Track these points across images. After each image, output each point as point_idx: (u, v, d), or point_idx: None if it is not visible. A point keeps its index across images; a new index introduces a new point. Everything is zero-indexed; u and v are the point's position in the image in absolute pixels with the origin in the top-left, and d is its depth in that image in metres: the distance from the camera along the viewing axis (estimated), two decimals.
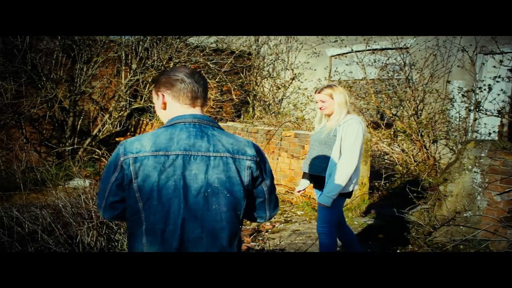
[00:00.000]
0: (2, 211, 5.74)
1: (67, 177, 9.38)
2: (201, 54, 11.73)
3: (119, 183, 2.09)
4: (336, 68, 11.74)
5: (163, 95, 2.19)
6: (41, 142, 11.10)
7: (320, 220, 4.19)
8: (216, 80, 11.86)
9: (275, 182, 8.08)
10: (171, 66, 11.27)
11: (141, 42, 11.19)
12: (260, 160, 2.14)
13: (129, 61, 11.44)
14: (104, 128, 11.28)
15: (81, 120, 11.33)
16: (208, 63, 11.65)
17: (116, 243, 5.31)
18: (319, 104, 4.22)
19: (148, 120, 11.93)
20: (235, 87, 12.71)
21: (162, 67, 11.18)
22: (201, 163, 2.03)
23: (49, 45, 10.66)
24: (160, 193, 2.01)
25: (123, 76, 11.49)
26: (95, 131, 11.31)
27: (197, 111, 2.18)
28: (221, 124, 10.41)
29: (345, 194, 4.14)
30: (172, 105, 2.18)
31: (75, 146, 11.03)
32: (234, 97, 12.47)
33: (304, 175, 4.50)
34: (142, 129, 12.44)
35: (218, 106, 12.33)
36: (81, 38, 10.59)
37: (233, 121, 12.19)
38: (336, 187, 3.96)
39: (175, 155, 2.03)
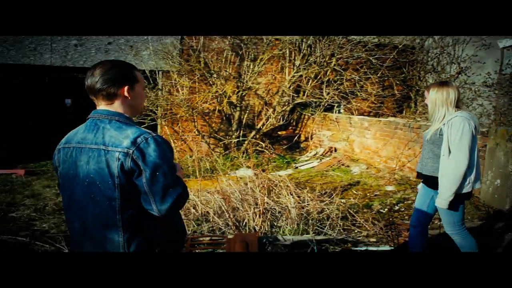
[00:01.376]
0: None
1: (233, 167, 10.06)
2: (363, 50, 11.74)
3: (55, 169, 2.39)
4: (509, 60, 10.98)
5: None
6: (210, 134, 11.99)
7: (444, 223, 4.09)
8: (378, 75, 11.79)
9: None
10: (333, 62, 11.47)
11: (304, 39, 11.53)
12: (135, 151, 2.09)
13: (293, 57, 11.87)
14: (268, 122, 11.83)
15: (246, 114, 12.03)
16: (371, 58, 11.63)
17: (278, 229, 5.64)
18: (426, 100, 4.20)
19: (310, 114, 12.26)
20: (397, 82, 12.52)
21: (325, 63, 11.43)
22: (86, 155, 2.17)
23: (220, 45, 11.48)
24: (65, 181, 2.27)
25: (286, 72, 11.97)
26: (259, 125, 11.92)
27: (101, 106, 2.28)
28: (381, 119, 10.35)
29: (462, 195, 3.96)
30: None
31: (241, 139, 11.73)
32: (396, 92, 12.30)
33: (419, 175, 4.36)
34: (303, 123, 12.82)
35: (379, 101, 12.26)
36: (248, 37, 11.23)
37: (394, 116, 12.03)
38: (449, 188, 3.83)
39: (72, 147, 2.24)
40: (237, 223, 5.65)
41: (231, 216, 5.67)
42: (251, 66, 11.47)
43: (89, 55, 11.41)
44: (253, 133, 11.76)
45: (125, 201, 2.14)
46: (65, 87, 22.60)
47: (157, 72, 11.42)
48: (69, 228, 2.34)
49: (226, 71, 11.40)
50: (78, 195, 2.20)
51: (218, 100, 11.45)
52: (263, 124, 11.90)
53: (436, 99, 3.97)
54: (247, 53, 11.47)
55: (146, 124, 10.68)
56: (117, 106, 2.27)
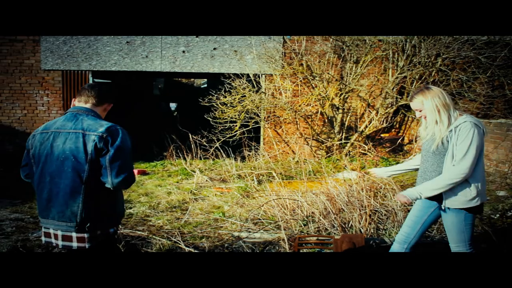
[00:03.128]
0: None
1: (336, 169, 10.05)
2: (471, 48, 11.27)
3: (26, 152, 3.18)
4: None
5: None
6: (313, 137, 12.06)
7: (451, 239, 3.72)
8: (488, 74, 11.26)
9: None
10: (439, 63, 11.13)
11: (408, 39, 11.28)
12: (108, 136, 2.89)
13: (396, 58, 11.66)
14: (371, 124, 11.71)
15: (349, 116, 11.98)
16: (479, 57, 11.14)
17: (384, 231, 5.61)
18: (417, 114, 3.77)
19: (413, 116, 11.97)
20: (509, 81, 11.88)
21: (430, 64, 11.11)
22: (63, 137, 2.96)
23: (322, 47, 11.54)
24: (39, 158, 3.02)
25: (390, 73, 11.77)
26: (361, 127, 11.82)
27: (81, 104, 3.17)
28: (492, 120, 9.89)
29: (472, 210, 3.58)
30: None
31: (343, 141, 11.70)
32: (507, 92, 11.68)
33: None
34: (407, 126, 12.54)
35: (489, 102, 11.70)
36: (350, 39, 11.19)
37: (505, 117, 11.44)
38: (431, 188, 3.52)
39: (51, 132, 3.03)
40: (342, 225, 5.68)
41: (337, 218, 5.72)
42: (354, 68, 11.41)
43: (196, 60, 11.91)
44: (356, 135, 11.69)
45: (91, 173, 2.91)
46: (171, 92, 23.67)
47: (260, 76, 11.68)
48: (37, 199, 3.09)
49: (328, 73, 11.43)
50: (51, 170, 2.97)
51: (321, 102, 11.49)
52: (366, 127, 11.79)
53: (436, 105, 3.58)
54: (349, 55, 11.43)
55: (250, 127, 10.97)
56: (94, 109, 3.17)
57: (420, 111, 3.70)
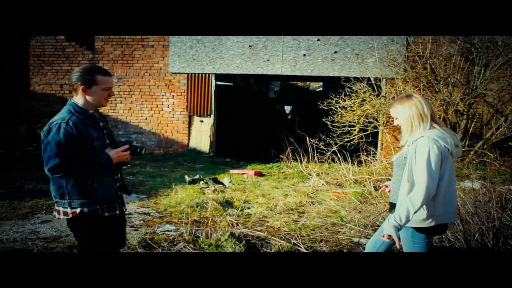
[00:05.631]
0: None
1: (457, 178, 9.57)
2: None
3: None
4: None
5: None
6: None
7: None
8: None
9: None
10: None
11: None
12: (45, 131, 3.13)
13: None
14: (498, 131, 11.01)
15: (473, 123, 11.35)
16: None
17: None
18: (395, 121, 3.55)
19: None
20: None
21: None
22: None
23: (449, 50, 11.05)
24: None
25: None
26: (487, 134, 11.15)
27: (73, 97, 3.35)
28: None
29: (425, 230, 3.32)
30: None
31: (466, 149, 11.11)
32: None
33: (391, 205, 3.68)
34: None
35: None
36: (480, 40, 10.60)
37: None
38: (401, 216, 3.15)
39: None
40: (468, 237, 5.40)
41: (461, 228, 5.44)
42: (482, 72, 10.78)
43: (316, 64, 11.95)
44: (480, 143, 11.05)
45: None
46: (286, 95, 23.95)
47: (381, 79, 11.45)
48: None
49: (454, 77, 10.91)
50: None
51: (444, 108, 11.00)
52: (493, 134, 11.10)
53: (411, 115, 3.38)
54: (478, 57, 10.82)
55: (369, 131, 10.78)
56: (76, 98, 3.29)
57: (397, 119, 3.55)
